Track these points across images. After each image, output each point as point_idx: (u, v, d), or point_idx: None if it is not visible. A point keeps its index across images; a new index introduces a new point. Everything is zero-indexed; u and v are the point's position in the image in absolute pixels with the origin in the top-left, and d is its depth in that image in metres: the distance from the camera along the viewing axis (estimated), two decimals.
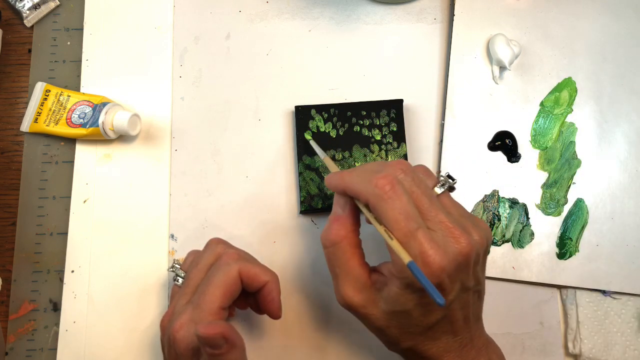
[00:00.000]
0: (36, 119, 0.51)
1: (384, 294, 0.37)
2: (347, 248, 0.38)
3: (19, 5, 0.54)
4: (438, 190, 0.38)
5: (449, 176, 0.39)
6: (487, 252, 0.38)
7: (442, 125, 0.51)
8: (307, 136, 0.49)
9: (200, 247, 0.44)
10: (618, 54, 0.52)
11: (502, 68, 0.51)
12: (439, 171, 0.50)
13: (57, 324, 0.47)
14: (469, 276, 0.36)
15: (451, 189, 0.39)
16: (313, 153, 0.49)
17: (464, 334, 0.38)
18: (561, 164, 0.50)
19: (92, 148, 0.51)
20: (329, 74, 0.53)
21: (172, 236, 0.49)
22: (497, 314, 0.48)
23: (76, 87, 0.53)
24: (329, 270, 0.40)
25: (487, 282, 0.41)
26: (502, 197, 0.49)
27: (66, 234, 0.49)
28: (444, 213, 0.36)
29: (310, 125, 0.50)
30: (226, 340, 0.34)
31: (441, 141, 0.51)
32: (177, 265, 0.44)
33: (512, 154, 0.50)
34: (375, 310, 0.38)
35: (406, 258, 0.33)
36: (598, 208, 0.49)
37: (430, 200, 0.37)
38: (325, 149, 0.49)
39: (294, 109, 0.51)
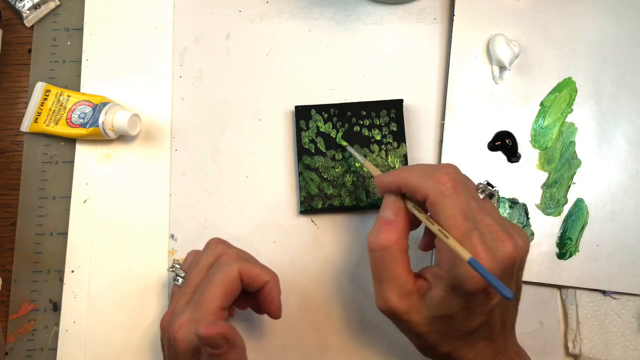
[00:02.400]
0: (36, 119, 0.51)
1: (427, 300, 0.37)
2: (396, 254, 0.37)
3: (19, 5, 0.54)
4: (480, 195, 0.39)
5: (489, 183, 0.39)
6: (526, 258, 0.38)
7: (442, 125, 0.51)
8: (343, 142, 0.49)
9: (200, 247, 0.44)
10: (618, 54, 0.52)
11: (502, 68, 0.51)
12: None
13: (57, 324, 0.47)
14: (511, 281, 0.36)
15: (491, 196, 0.39)
16: (313, 153, 0.49)
17: (500, 340, 0.38)
18: (561, 164, 0.50)
19: (92, 148, 0.51)
20: (329, 74, 0.53)
21: (172, 236, 0.49)
22: None
23: (76, 87, 0.53)
24: (372, 273, 0.39)
25: None
26: (502, 197, 0.49)
27: (66, 234, 0.49)
28: (490, 217, 0.36)
29: (310, 125, 0.50)
30: (226, 340, 0.34)
31: (441, 141, 0.51)
32: (177, 265, 0.44)
33: (512, 154, 0.50)
34: (418, 316, 0.37)
35: (466, 255, 0.32)
36: (598, 208, 0.49)
37: (478, 203, 0.37)
38: (325, 148, 0.49)
39: (294, 109, 0.51)
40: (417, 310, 0.37)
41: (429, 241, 0.42)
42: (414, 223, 0.41)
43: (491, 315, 0.36)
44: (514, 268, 0.36)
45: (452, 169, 0.37)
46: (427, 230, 0.42)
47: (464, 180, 0.37)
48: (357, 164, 0.49)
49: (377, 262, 0.38)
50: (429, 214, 0.37)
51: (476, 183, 0.40)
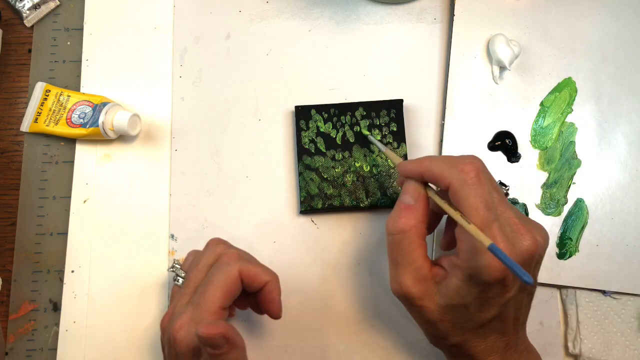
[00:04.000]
0: (36, 119, 0.51)
1: (442, 287, 0.37)
2: (414, 238, 0.38)
3: (19, 5, 0.54)
4: None
5: (502, 183, 0.40)
6: (544, 254, 0.38)
7: (442, 125, 0.51)
8: (365, 131, 0.49)
9: (200, 247, 0.44)
10: (618, 54, 0.52)
11: (502, 68, 0.51)
12: None
13: (57, 324, 0.47)
14: (529, 272, 0.36)
15: (506, 194, 0.40)
16: (313, 153, 0.49)
17: (511, 335, 0.38)
18: (561, 164, 0.50)
19: (92, 148, 0.51)
20: (329, 74, 0.53)
21: (172, 236, 0.49)
22: None
23: (76, 87, 0.53)
24: (389, 257, 0.39)
25: None
26: None
27: (66, 234, 0.49)
28: (511, 210, 0.37)
29: (310, 125, 0.50)
30: (227, 340, 0.34)
31: (441, 141, 0.51)
32: (177, 265, 0.44)
33: (512, 154, 0.50)
34: (431, 303, 0.37)
35: (487, 241, 0.33)
36: (598, 208, 0.49)
37: (500, 196, 0.37)
38: (325, 148, 0.49)
39: (294, 109, 0.51)
40: (431, 296, 0.37)
41: (452, 239, 0.42)
42: (437, 217, 0.41)
43: (505, 308, 0.37)
44: (532, 262, 0.36)
45: (476, 160, 0.37)
46: (449, 228, 0.42)
47: (487, 171, 0.37)
48: (356, 164, 0.49)
49: (395, 246, 0.38)
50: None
51: None
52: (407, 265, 0.38)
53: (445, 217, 0.43)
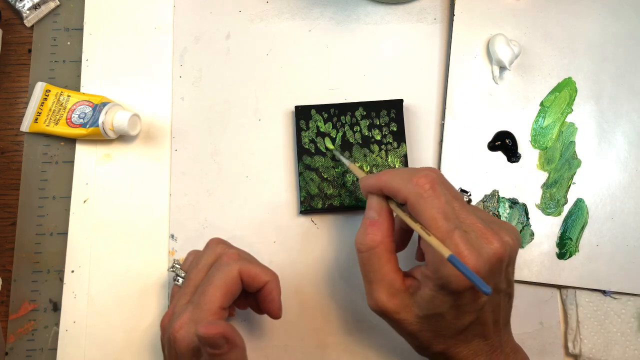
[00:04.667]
0: (36, 119, 0.51)
1: (417, 298, 0.37)
2: (382, 253, 0.38)
3: (19, 5, 0.54)
4: None
5: (463, 190, 0.41)
6: (516, 254, 0.38)
7: (442, 125, 0.51)
8: (331, 146, 0.49)
9: (200, 247, 0.44)
10: (618, 54, 0.52)
11: (502, 68, 0.51)
12: None
13: (57, 324, 0.47)
14: (501, 278, 0.36)
15: (468, 201, 0.40)
16: (313, 153, 0.49)
17: (494, 337, 0.38)
18: (561, 164, 0.50)
19: (92, 148, 0.51)
20: (329, 74, 0.53)
21: (172, 236, 0.49)
22: None
23: (76, 87, 0.53)
24: (362, 274, 0.39)
25: None
26: (502, 197, 0.49)
27: (66, 234, 0.49)
28: (475, 216, 0.37)
29: (310, 125, 0.50)
30: (227, 340, 0.34)
31: (441, 141, 0.51)
32: (177, 265, 0.44)
33: (512, 154, 0.50)
34: (409, 315, 0.37)
35: (446, 252, 0.33)
36: (598, 208, 0.49)
37: (461, 203, 0.37)
38: (325, 149, 0.49)
39: (294, 109, 0.51)
40: (407, 309, 0.37)
41: (404, 239, 0.43)
42: (407, 233, 0.42)
43: (482, 313, 0.37)
44: (502, 265, 0.36)
45: (432, 172, 0.37)
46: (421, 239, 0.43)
47: (444, 182, 0.38)
48: (357, 164, 0.49)
49: (365, 263, 0.38)
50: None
51: None
52: (380, 281, 0.38)
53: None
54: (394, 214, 0.40)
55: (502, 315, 0.38)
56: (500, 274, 0.36)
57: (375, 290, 0.38)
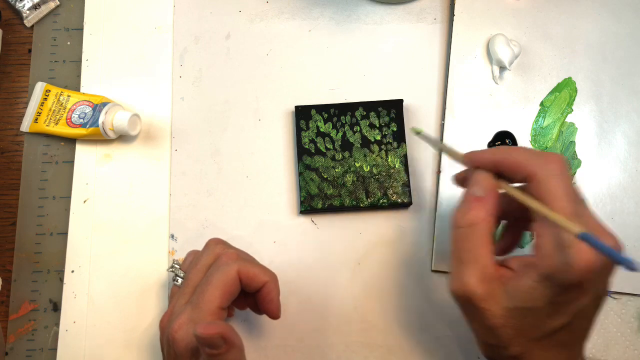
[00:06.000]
0: (36, 119, 0.51)
1: (510, 288, 0.34)
2: (483, 232, 0.35)
3: (19, 5, 0.54)
4: None
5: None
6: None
7: (442, 125, 0.51)
8: (417, 129, 0.45)
9: (200, 247, 0.44)
10: (618, 54, 0.52)
11: (502, 68, 0.51)
12: None
13: (57, 324, 0.47)
14: (605, 283, 0.34)
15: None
16: (313, 153, 0.49)
17: (574, 351, 0.35)
18: None
19: (92, 148, 0.51)
20: (329, 74, 0.53)
21: (172, 236, 0.49)
22: None
23: (76, 87, 0.53)
24: (453, 253, 0.36)
25: None
26: None
27: (66, 234, 0.49)
28: (589, 210, 0.34)
29: (310, 125, 0.50)
30: (225, 340, 0.34)
31: (441, 141, 0.51)
32: (176, 266, 0.44)
33: None
34: (495, 306, 0.34)
35: (576, 228, 0.30)
36: (598, 208, 0.49)
37: (581, 195, 0.35)
38: (325, 149, 0.49)
39: (294, 109, 0.51)
40: (495, 298, 0.34)
41: (510, 244, 0.41)
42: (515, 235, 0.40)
43: (576, 318, 0.34)
44: (612, 268, 0.33)
45: (563, 156, 0.35)
46: (510, 232, 0.41)
47: (570, 170, 0.36)
48: (356, 164, 0.49)
49: (462, 240, 0.35)
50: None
51: None
52: (473, 262, 0.34)
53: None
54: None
55: (589, 328, 0.35)
56: (607, 277, 0.34)
57: (466, 272, 0.34)
